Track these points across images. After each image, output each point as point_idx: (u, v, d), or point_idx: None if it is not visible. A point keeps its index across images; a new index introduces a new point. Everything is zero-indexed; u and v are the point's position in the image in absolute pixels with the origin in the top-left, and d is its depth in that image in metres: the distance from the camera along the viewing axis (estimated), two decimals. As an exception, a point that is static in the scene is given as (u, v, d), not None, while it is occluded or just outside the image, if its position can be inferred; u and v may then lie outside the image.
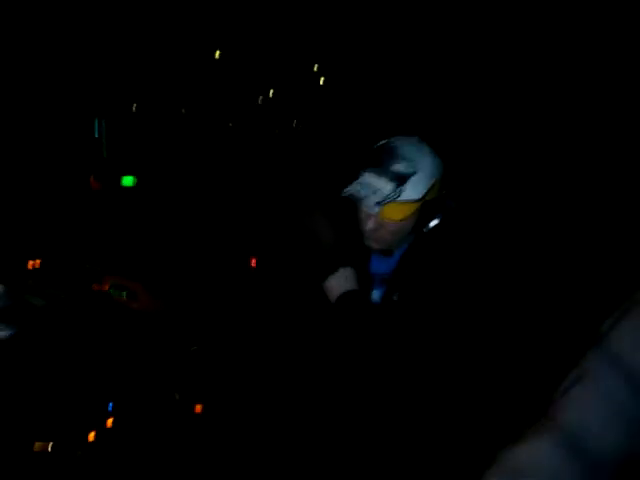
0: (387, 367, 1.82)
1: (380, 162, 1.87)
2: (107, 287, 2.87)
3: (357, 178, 1.90)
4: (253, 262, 5.14)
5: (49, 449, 2.15)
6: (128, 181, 6.43)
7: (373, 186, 1.85)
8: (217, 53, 6.33)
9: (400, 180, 1.84)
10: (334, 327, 1.86)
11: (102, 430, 2.40)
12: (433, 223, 1.89)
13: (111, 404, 2.56)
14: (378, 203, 1.85)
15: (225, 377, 2.81)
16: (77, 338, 2.59)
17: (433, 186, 1.88)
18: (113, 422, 2.44)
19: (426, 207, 1.89)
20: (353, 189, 1.87)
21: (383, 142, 1.96)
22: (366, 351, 1.82)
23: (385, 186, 1.84)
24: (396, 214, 1.85)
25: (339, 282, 1.88)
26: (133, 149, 6.34)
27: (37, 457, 2.17)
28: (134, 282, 2.94)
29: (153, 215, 5.08)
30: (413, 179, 1.85)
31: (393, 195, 1.84)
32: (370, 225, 1.90)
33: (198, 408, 2.66)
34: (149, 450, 2.45)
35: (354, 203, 1.94)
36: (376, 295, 1.97)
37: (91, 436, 2.34)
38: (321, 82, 6.60)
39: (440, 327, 1.78)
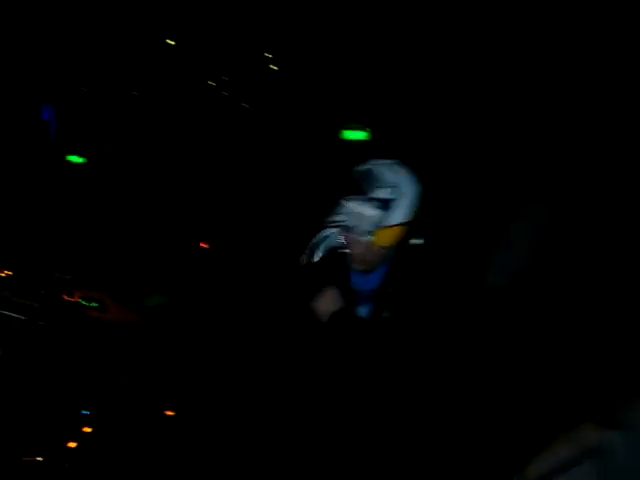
0: (383, 380, 1.87)
1: (363, 189, 1.88)
2: (77, 297, 2.99)
3: (339, 207, 1.90)
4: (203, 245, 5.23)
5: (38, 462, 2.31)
6: (75, 160, 6.41)
7: (360, 214, 1.87)
8: (168, 40, 6.30)
9: (385, 206, 1.87)
10: (328, 345, 1.91)
11: (82, 439, 2.57)
12: (415, 240, 1.94)
13: (86, 412, 2.72)
14: (369, 230, 1.87)
15: (198, 381, 2.99)
16: (56, 351, 2.72)
17: (416, 207, 1.92)
18: (92, 430, 2.62)
19: (410, 227, 1.93)
20: (340, 219, 1.89)
21: (362, 168, 1.94)
22: (362, 366, 1.87)
23: (372, 213, 1.86)
24: (387, 239, 1.89)
25: (327, 302, 1.91)
26: (81, 131, 6.29)
27: (26, 472, 2.33)
28: (103, 294, 3.07)
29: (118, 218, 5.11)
30: (398, 203, 1.88)
31: (381, 222, 1.87)
32: (358, 250, 1.91)
33: (170, 412, 2.85)
34: (129, 453, 2.63)
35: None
36: (363, 312, 1.99)
37: (72, 445, 2.51)
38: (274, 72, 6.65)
39: (439, 339, 1.87)
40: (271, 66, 6.25)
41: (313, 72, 6.67)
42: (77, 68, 5.69)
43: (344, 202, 1.92)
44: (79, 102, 5.92)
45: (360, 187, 1.91)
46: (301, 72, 6.54)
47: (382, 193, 1.89)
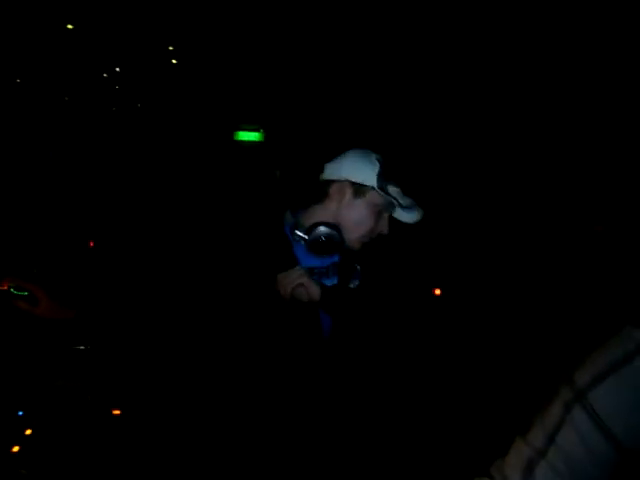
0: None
1: (392, 175, 1.96)
2: (6, 286, 2.72)
3: (388, 193, 1.91)
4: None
5: None
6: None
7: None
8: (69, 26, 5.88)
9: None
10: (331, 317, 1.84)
11: (25, 441, 2.33)
12: None
13: (21, 412, 2.47)
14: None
15: (135, 378, 2.81)
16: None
17: None
18: (32, 432, 2.38)
19: None
20: (411, 201, 1.94)
21: (376, 156, 1.93)
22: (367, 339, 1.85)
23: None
24: None
25: (304, 276, 1.85)
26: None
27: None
28: (35, 285, 2.79)
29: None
30: None
31: None
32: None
33: (115, 410, 2.66)
34: (78, 453, 2.42)
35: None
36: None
37: (15, 449, 2.27)
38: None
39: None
40: (173, 60, 6.08)
41: (210, 72, 6.56)
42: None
43: (389, 187, 1.91)
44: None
45: (392, 172, 1.94)
46: (199, 71, 6.41)
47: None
